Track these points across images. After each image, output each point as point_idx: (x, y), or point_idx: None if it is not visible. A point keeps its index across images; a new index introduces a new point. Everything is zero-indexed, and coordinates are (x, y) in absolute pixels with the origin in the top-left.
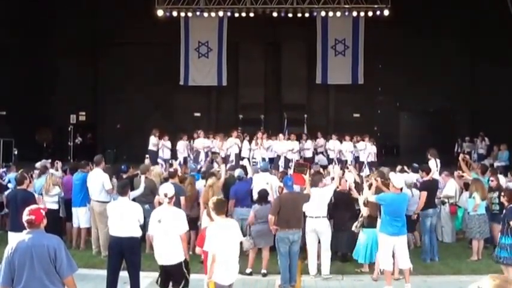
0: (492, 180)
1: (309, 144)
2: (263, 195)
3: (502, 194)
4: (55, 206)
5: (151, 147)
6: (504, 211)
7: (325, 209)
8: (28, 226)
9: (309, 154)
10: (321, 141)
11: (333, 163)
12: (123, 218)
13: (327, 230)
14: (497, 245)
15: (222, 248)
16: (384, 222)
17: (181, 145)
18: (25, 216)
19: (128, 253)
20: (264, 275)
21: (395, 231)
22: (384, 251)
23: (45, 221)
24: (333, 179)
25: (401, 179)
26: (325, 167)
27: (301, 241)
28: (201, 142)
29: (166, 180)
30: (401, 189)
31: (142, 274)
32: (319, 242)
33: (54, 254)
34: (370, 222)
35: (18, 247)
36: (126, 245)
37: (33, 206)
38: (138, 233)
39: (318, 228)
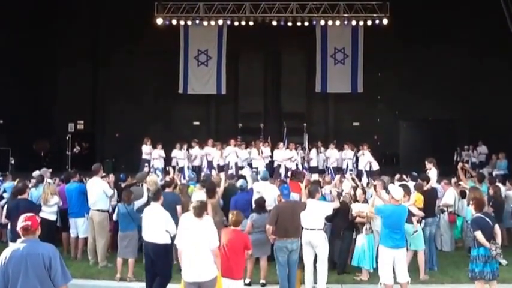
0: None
1: (313, 153)
2: (260, 203)
3: (471, 202)
4: (53, 217)
5: (144, 155)
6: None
7: (321, 221)
8: (23, 233)
9: (313, 163)
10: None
11: (343, 176)
12: (151, 224)
13: (323, 243)
14: None
15: (186, 246)
16: (383, 235)
17: (181, 154)
18: (21, 223)
19: (155, 258)
20: (263, 285)
21: (395, 244)
22: (384, 265)
23: (39, 229)
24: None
25: (400, 190)
26: (321, 172)
27: (300, 250)
28: (204, 150)
29: (163, 188)
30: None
31: (139, 285)
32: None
33: (49, 262)
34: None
35: (12, 256)
36: (152, 250)
37: (28, 214)
38: (163, 240)
39: (313, 241)
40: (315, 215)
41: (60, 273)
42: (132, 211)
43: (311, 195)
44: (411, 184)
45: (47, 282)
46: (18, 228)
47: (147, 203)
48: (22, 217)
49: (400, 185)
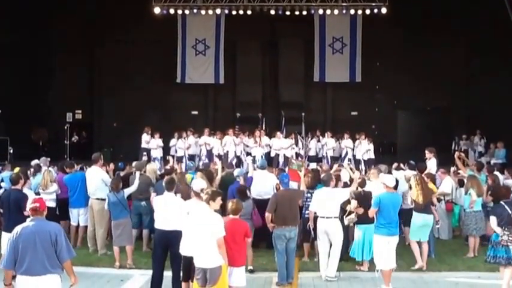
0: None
1: (312, 142)
2: (242, 191)
3: (489, 193)
4: (52, 204)
5: (144, 144)
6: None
7: (337, 209)
8: (32, 213)
9: (312, 153)
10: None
11: (343, 163)
12: (168, 212)
13: (338, 231)
14: None
15: (193, 233)
16: (378, 225)
17: (180, 143)
18: (30, 205)
19: (173, 246)
20: (251, 271)
21: (390, 232)
22: (379, 252)
23: (46, 211)
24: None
25: (392, 177)
26: (319, 160)
27: (298, 238)
28: (201, 139)
29: (162, 177)
30: (395, 187)
31: (138, 272)
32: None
33: (55, 238)
34: (363, 218)
35: (22, 232)
36: (171, 238)
37: (37, 196)
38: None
39: (329, 229)
40: (330, 203)
41: (65, 248)
42: (122, 199)
43: (325, 183)
44: (409, 172)
45: (53, 257)
46: (27, 209)
47: (144, 192)
48: (31, 199)
49: (415, 175)
